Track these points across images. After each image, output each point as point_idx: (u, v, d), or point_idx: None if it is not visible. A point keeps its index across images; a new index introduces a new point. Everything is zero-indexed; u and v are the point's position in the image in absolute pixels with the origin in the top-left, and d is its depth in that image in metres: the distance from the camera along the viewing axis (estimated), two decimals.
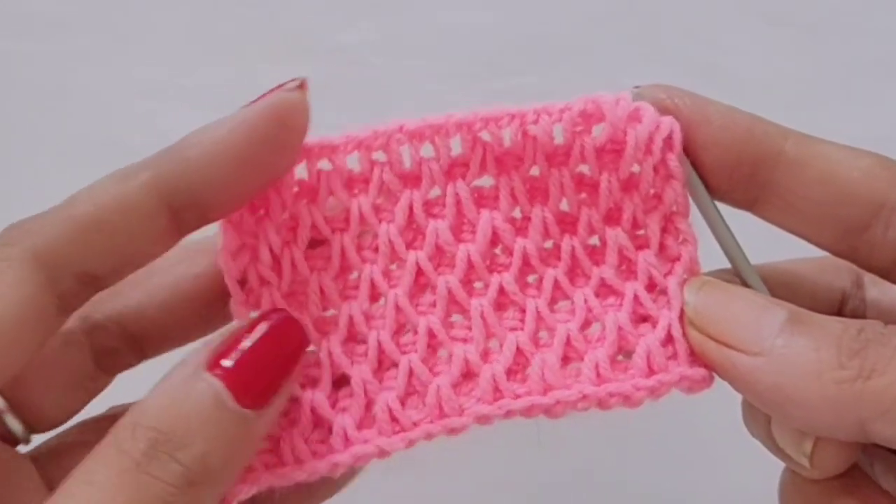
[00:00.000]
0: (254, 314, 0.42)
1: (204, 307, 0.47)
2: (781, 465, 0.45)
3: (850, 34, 0.82)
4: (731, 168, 0.43)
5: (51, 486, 0.44)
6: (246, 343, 0.39)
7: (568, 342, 0.44)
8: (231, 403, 0.38)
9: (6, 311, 0.38)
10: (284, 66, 0.80)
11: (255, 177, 0.41)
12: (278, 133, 0.40)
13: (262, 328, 0.40)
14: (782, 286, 0.45)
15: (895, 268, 0.43)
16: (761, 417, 0.44)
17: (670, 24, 0.82)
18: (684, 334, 0.44)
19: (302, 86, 0.41)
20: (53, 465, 0.45)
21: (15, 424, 0.45)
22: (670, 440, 0.72)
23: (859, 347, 0.38)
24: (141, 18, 0.84)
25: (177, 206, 0.40)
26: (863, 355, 0.38)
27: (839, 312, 0.49)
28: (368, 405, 0.43)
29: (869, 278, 0.49)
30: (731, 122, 0.43)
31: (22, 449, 0.46)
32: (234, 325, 0.42)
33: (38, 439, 0.47)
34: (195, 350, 0.39)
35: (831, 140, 0.44)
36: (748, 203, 0.44)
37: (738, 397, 0.44)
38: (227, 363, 0.38)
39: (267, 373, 0.39)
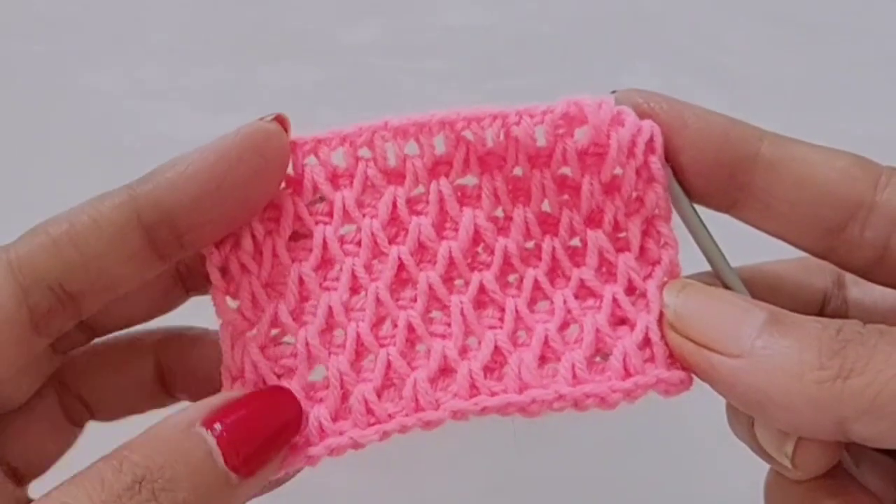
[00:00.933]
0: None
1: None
2: (767, 466, 0.45)
3: (853, 34, 0.82)
4: (709, 171, 0.44)
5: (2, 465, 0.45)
6: (242, 410, 0.40)
7: (546, 342, 0.44)
8: (221, 463, 0.38)
9: None
10: (285, 67, 0.81)
11: (228, 200, 0.42)
12: (251, 158, 0.41)
13: (259, 398, 0.42)
14: (764, 288, 0.46)
15: (874, 267, 0.43)
16: (745, 420, 0.44)
17: (672, 24, 0.82)
18: (662, 337, 0.44)
19: (279, 118, 0.42)
20: None
21: None
22: (659, 441, 0.72)
23: (839, 347, 0.38)
24: (141, 19, 0.84)
25: (148, 222, 0.41)
26: (842, 355, 0.38)
27: (821, 313, 0.49)
28: (344, 396, 0.43)
29: (850, 278, 0.49)
30: (707, 126, 0.43)
31: None
32: (233, 393, 0.43)
33: None
34: (192, 405, 0.41)
35: (810, 141, 0.44)
36: (727, 205, 0.45)
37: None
38: (221, 426, 0.39)
39: (258, 443, 0.40)
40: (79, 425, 0.50)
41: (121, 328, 0.49)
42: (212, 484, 0.38)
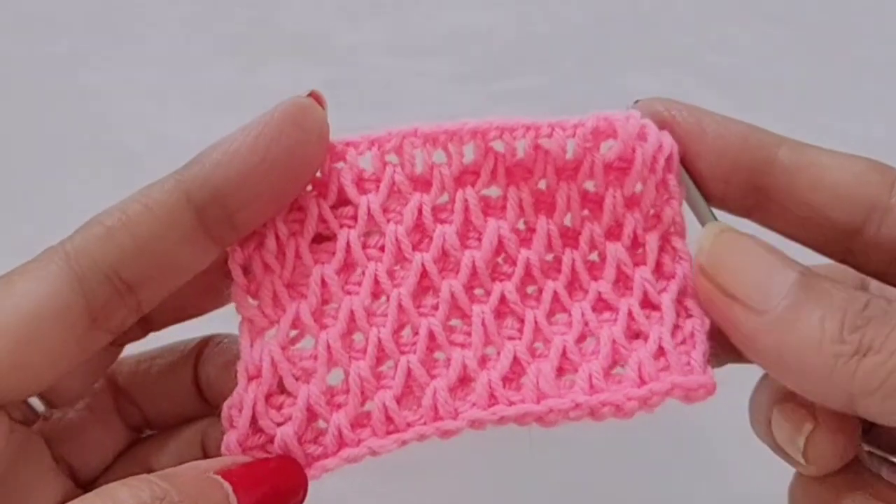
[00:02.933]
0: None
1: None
2: (790, 471, 0.46)
3: (855, 35, 0.82)
4: (728, 176, 0.44)
5: (59, 462, 0.46)
6: (253, 468, 0.42)
7: (564, 354, 0.44)
8: None
9: (30, 303, 0.40)
10: (286, 68, 0.81)
11: (273, 174, 0.42)
12: (291, 132, 0.42)
13: (268, 463, 0.43)
14: None
15: (890, 269, 0.44)
16: (763, 417, 0.45)
17: (675, 25, 0.82)
18: (677, 346, 0.44)
19: (314, 94, 0.43)
20: (58, 441, 0.46)
21: (38, 404, 0.46)
22: (679, 447, 0.72)
23: (862, 323, 0.39)
24: (141, 19, 0.84)
25: (199, 202, 0.42)
26: (863, 331, 0.39)
27: None
28: (364, 403, 0.43)
29: (874, 285, 0.50)
30: (727, 132, 0.44)
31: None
32: (241, 457, 0.43)
33: None
34: (204, 462, 0.42)
35: (827, 146, 0.45)
36: (746, 210, 0.46)
37: (747, 404, 0.45)
38: (236, 477, 0.41)
39: (270, 491, 0.42)
40: (136, 430, 0.51)
41: (175, 321, 0.49)
42: None
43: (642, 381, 0.44)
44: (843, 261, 0.45)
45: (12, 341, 0.39)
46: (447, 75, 0.80)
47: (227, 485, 0.40)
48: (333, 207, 0.45)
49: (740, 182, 0.44)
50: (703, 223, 0.45)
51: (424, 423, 0.43)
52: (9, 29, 0.83)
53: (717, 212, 0.46)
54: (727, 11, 0.83)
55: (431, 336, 0.44)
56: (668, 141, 0.44)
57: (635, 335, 0.45)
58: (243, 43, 0.82)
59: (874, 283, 0.49)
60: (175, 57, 0.82)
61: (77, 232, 0.42)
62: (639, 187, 0.45)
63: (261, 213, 0.44)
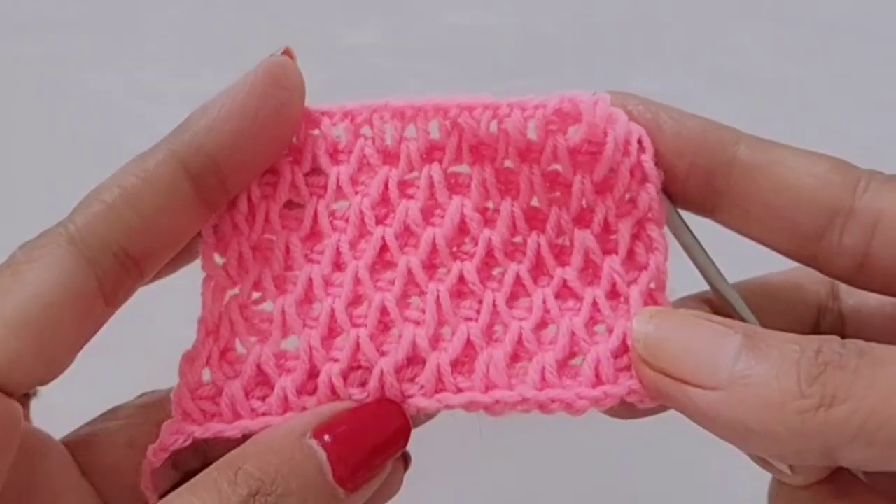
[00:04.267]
0: (358, 396, 0.43)
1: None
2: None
3: (861, 35, 0.82)
4: (685, 175, 0.43)
5: (84, 472, 0.45)
6: (351, 422, 0.41)
7: (519, 341, 0.43)
8: (330, 477, 0.39)
9: (46, 291, 0.39)
10: None
11: (262, 136, 0.42)
12: (276, 92, 0.42)
13: (367, 410, 0.42)
14: (755, 305, 0.45)
15: (856, 274, 0.43)
16: None
17: (678, 24, 0.82)
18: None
19: (286, 52, 0.43)
20: (86, 453, 0.46)
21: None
22: (662, 444, 0.71)
23: (818, 372, 0.37)
24: (141, 20, 0.84)
25: (194, 170, 0.42)
26: (822, 381, 0.37)
27: (816, 327, 0.48)
28: (312, 371, 0.43)
29: (844, 289, 0.48)
30: (683, 129, 0.43)
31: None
32: (341, 404, 0.43)
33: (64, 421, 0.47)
34: (302, 415, 0.42)
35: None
36: (708, 210, 0.44)
37: None
38: (330, 437, 0.40)
39: (365, 455, 0.41)
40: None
41: (160, 277, 0.48)
42: (320, 497, 0.39)
43: (598, 381, 0.42)
44: (808, 264, 0.44)
45: (34, 332, 0.39)
46: (450, 76, 0.81)
47: (321, 453, 0.39)
48: (307, 175, 0.45)
49: (699, 181, 0.43)
50: (668, 225, 0.44)
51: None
52: (9, 29, 0.83)
53: (684, 213, 0.45)
54: (731, 12, 0.83)
55: (384, 310, 0.43)
56: (635, 127, 0.43)
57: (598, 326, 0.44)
58: (244, 44, 0.82)
59: (843, 287, 0.48)
60: (175, 57, 0.82)
61: (76, 211, 0.41)
62: (611, 171, 0.44)
63: (250, 175, 0.44)
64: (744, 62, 0.80)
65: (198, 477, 0.38)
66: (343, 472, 0.39)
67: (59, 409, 0.44)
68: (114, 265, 0.41)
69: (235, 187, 0.43)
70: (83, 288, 0.40)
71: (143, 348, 0.48)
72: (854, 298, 0.48)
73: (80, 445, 0.46)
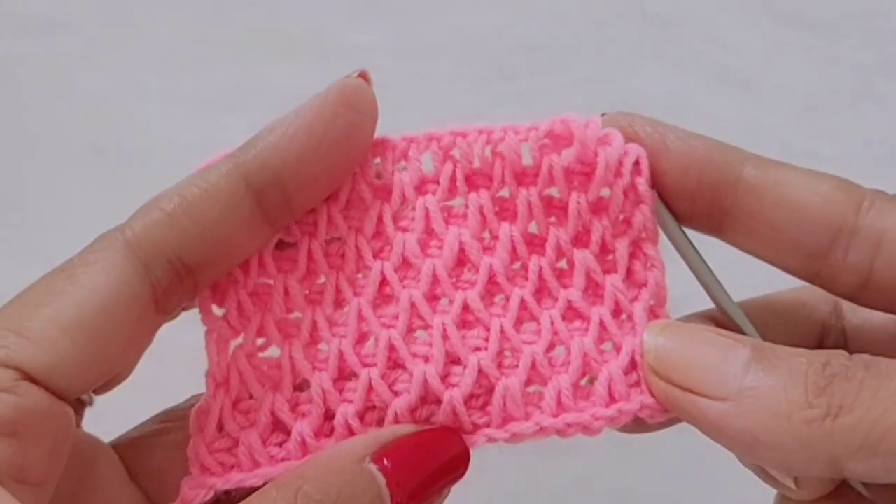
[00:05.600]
0: (407, 427, 0.43)
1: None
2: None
3: (864, 36, 0.81)
4: (692, 194, 0.44)
5: (132, 476, 0.46)
6: (410, 447, 0.41)
7: (533, 366, 0.44)
8: (388, 502, 0.39)
9: (100, 295, 0.39)
10: (289, 69, 0.80)
11: (329, 156, 0.43)
12: (346, 113, 0.42)
13: (427, 436, 0.42)
14: (759, 323, 0.45)
15: (860, 291, 0.43)
16: None
17: (681, 25, 0.82)
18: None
19: (363, 75, 0.44)
20: (135, 456, 0.47)
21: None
22: (672, 449, 0.71)
23: (825, 384, 0.38)
24: (141, 19, 0.84)
25: (257, 186, 0.42)
26: (829, 392, 0.38)
27: (820, 343, 0.49)
28: (327, 414, 0.43)
29: (847, 307, 0.49)
30: (690, 149, 0.44)
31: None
32: (402, 428, 0.43)
33: (113, 423, 0.47)
34: (362, 437, 0.42)
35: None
36: (713, 228, 0.45)
37: None
38: (389, 462, 0.40)
39: (424, 482, 0.41)
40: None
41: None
42: None
43: (612, 399, 0.43)
44: (811, 282, 0.44)
45: (87, 336, 0.39)
46: (454, 76, 0.80)
47: (380, 478, 0.39)
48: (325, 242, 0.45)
49: (705, 201, 0.44)
50: (673, 242, 0.45)
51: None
52: (9, 30, 0.83)
53: (689, 232, 0.45)
54: (735, 12, 0.82)
55: (392, 348, 0.43)
56: (634, 146, 0.44)
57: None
58: (245, 44, 0.82)
59: (847, 305, 0.48)
60: (176, 58, 0.82)
61: (135, 217, 0.42)
62: (606, 193, 0.44)
63: (317, 195, 0.44)
64: (750, 62, 0.80)
65: (254, 496, 0.39)
66: (401, 497, 0.40)
67: (110, 413, 0.45)
68: (168, 273, 0.41)
69: (300, 207, 0.43)
70: (137, 293, 0.40)
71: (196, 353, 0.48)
72: (857, 317, 0.49)
73: (128, 448, 0.47)
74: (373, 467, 0.40)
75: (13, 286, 0.41)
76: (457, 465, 0.42)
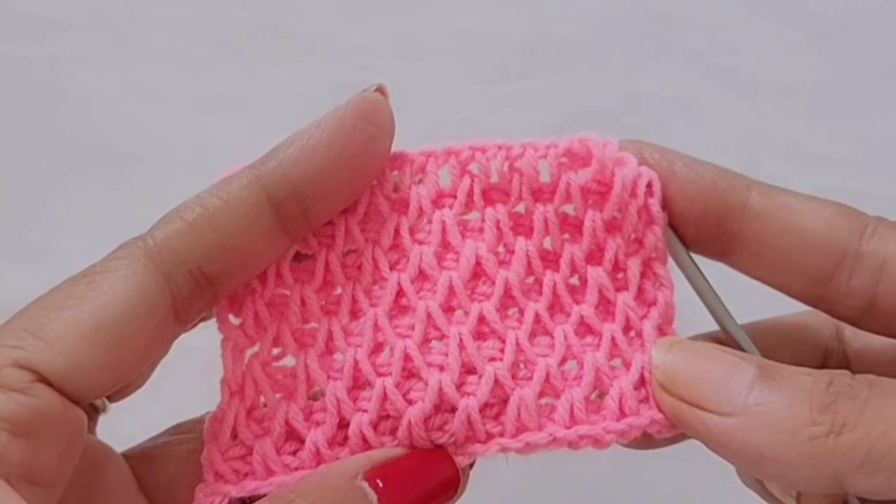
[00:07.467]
0: (390, 445, 0.43)
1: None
2: None
3: (869, 36, 0.82)
4: (698, 220, 0.45)
5: (142, 486, 0.46)
6: (402, 467, 0.42)
7: (547, 378, 0.44)
8: None
9: (120, 301, 0.40)
10: (290, 70, 0.80)
11: (347, 170, 0.43)
12: (365, 127, 0.43)
13: (418, 457, 0.43)
14: (764, 346, 0.46)
15: (863, 316, 0.44)
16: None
17: (685, 25, 0.82)
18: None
19: (380, 90, 0.44)
20: (145, 466, 0.47)
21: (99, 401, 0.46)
22: (672, 458, 0.71)
23: (829, 401, 0.39)
24: (142, 20, 0.84)
25: (277, 198, 0.42)
26: (833, 409, 0.39)
27: (822, 367, 0.49)
28: (341, 423, 0.44)
29: (849, 332, 0.50)
30: (696, 175, 0.45)
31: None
32: (393, 450, 0.43)
33: (125, 434, 0.48)
34: (354, 458, 0.43)
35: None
36: (719, 253, 0.46)
37: None
38: (383, 482, 0.41)
39: (415, 503, 0.42)
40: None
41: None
42: None
43: (622, 414, 0.44)
44: (816, 307, 0.46)
45: (105, 341, 0.39)
46: (457, 77, 0.80)
47: (373, 495, 0.40)
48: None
49: (711, 226, 0.45)
50: (680, 267, 0.46)
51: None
52: (9, 30, 0.83)
53: (696, 257, 0.46)
54: (739, 13, 0.82)
55: (407, 357, 0.44)
56: (647, 171, 0.45)
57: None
58: (246, 45, 0.82)
59: (849, 330, 0.50)
60: (177, 59, 0.82)
61: (156, 227, 0.42)
62: (618, 213, 0.45)
63: (335, 207, 0.44)
64: (754, 63, 0.80)
65: None
66: None
67: (125, 424, 0.45)
68: (188, 282, 0.41)
69: (318, 219, 0.44)
70: (157, 302, 0.41)
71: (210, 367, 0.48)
72: (859, 341, 0.50)
73: (139, 459, 0.47)
74: (365, 485, 0.40)
75: (13, 286, 0.41)
76: (447, 487, 0.43)
